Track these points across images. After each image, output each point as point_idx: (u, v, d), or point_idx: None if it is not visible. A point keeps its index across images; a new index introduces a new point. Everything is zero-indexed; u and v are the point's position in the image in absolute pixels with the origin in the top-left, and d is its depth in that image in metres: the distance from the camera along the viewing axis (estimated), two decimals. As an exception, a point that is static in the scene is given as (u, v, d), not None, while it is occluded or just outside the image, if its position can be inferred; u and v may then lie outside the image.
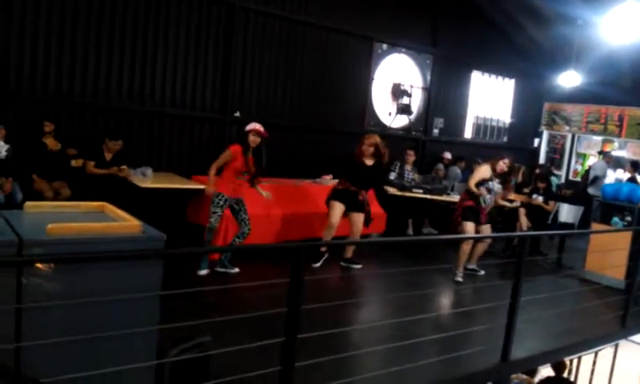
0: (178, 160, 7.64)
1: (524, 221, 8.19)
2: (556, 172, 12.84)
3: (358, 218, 6.59)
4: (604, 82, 11.29)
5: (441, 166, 10.16)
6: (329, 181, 8.05)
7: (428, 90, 10.67)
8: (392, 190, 8.34)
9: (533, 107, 13.11)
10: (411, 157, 9.25)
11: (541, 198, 8.45)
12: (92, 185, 6.24)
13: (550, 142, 13.60)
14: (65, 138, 6.53)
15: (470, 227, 6.70)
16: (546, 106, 13.37)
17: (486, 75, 11.97)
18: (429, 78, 10.64)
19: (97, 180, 6.31)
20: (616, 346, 7.47)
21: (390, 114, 10.11)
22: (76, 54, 6.63)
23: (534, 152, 13.44)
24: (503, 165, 6.74)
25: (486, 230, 6.90)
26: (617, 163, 12.11)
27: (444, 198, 8.86)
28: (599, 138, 12.77)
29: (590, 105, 12.56)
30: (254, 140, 5.72)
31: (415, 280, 6.25)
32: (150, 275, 2.87)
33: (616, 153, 12.38)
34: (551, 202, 8.62)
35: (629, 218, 7.34)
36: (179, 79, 7.50)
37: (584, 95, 12.15)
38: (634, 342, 7.45)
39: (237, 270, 5.96)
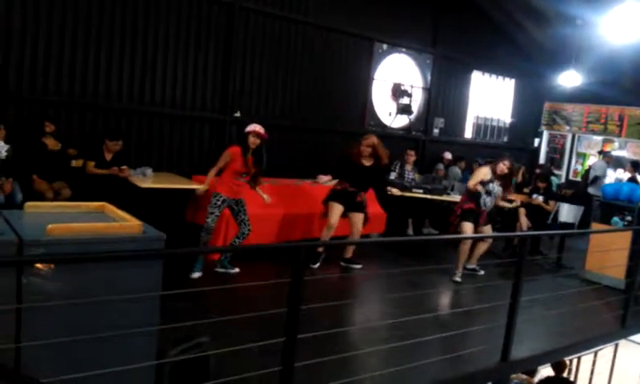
0: (178, 160, 7.64)
1: (524, 221, 8.19)
2: (556, 172, 12.83)
3: (358, 218, 6.59)
4: (604, 82, 11.28)
5: (441, 166, 10.16)
6: (325, 181, 8.04)
7: (428, 90, 10.68)
8: (394, 191, 8.35)
9: (533, 107, 13.10)
10: (411, 157, 9.25)
11: (541, 198, 8.45)
12: (92, 185, 6.24)
13: (550, 141, 13.60)
14: (65, 139, 6.53)
15: (468, 228, 6.70)
16: (547, 105, 13.36)
17: (487, 75, 11.97)
18: (429, 77, 10.64)
19: (97, 180, 6.32)
20: (616, 346, 7.48)
21: (390, 114, 10.11)
22: (76, 54, 6.63)
23: (534, 152, 13.44)
24: (503, 166, 6.72)
25: (487, 231, 6.90)
26: (617, 163, 12.10)
27: (444, 198, 8.86)
28: (599, 138, 12.77)
29: (590, 105, 12.55)
30: (253, 141, 5.72)
31: (415, 280, 6.26)
32: (150, 275, 2.87)
33: (616, 153, 12.38)
34: (551, 202, 8.62)
35: (629, 218, 7.34)
36: (179, 79, 7.50)
37: (584, 95, 12.15)
38: (633, 341, 7.45)
39: (237, 270, 5.95)
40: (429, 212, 9.31)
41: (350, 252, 6.83)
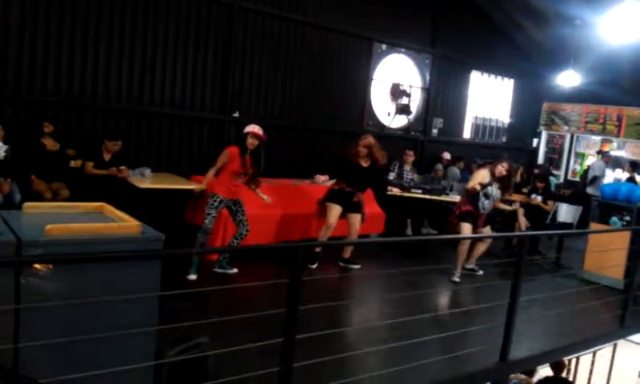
0: (177, 160, 7.64)
1: (523, 221, 8.19)
2: (555, 172, 12.85)
3: (355, 218, 6.60)
4: (603, 82, 11.29)
5: (440, 167, 10.16)
6: (323, 181, 8.04)
7: (427, 90, 10.68)
8: (395, 190, 8.35)
9: (532, 107, 13.11)
10: (410, 157, 9.26)
11: (539, 198, 8.45)
12: (91, 185, 6.24)
13: (548, 141, 13.61)
14: (63, 139, 6.53)
15: (467, 228, 6.70)
16: (545, 105, 13.37)
17: (485, 75, 11.98)
18: (428, 78, 10.64)
19: (96, 180, 6.31)
20: (614, 346, 7.48)
21: (389, 114, 10.11)
22: (75, 54, 6.63)
23: (532, 152, 13.45)
24: (502, 169, 6.73)
25: (486, 232, 6.90)
26: (615, 163, 12.11)
27: (443, 198, 8.87)
28: (598, 138, 12.78)
29: (588, 105, 12.56)
30: (251, 142, 5.71)
31: (414, 280, 6.26)
32: (149, 275, 2.87)
33: (615, 153, 12.39)
34: (550, 202, 8.62)
35: (627, 218, 7.34)
36: (178, 79, 7.50)
37: (583, 95, 12.17)
38: (632, 341, 7.46)
39: (235, 270, 5.95)
40: (427, 212, 9.31)
41: (348, 252, 6.83)
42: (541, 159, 13.38)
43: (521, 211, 8.27)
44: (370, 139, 6.58)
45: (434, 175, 9.76)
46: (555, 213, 9.17)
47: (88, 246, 2.78)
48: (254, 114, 8.09)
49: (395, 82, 10.06)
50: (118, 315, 2.73)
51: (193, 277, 5.65)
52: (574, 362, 7.28)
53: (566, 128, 13.14)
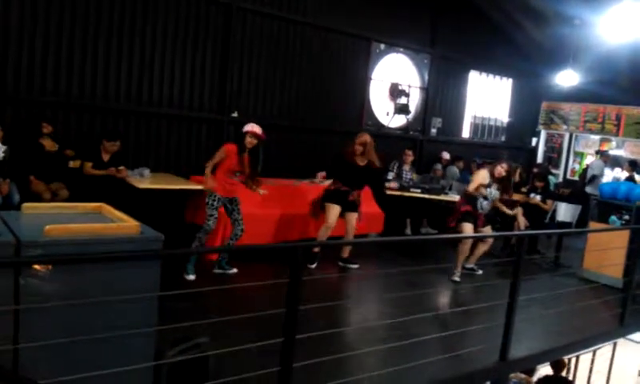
0: (176, 160, 7.64)
1: (522, 220, 8.19)
2: (554, 171, 12.85)
3: (352, 217, 6.60)
4: (602, 81, 11.30)
5: (439, 166, 10.16)
6: (321, 179, 8.04)
7: (426, 90, 10.68)
8: (392, 185, 8.34)
9: (530, 106, 13.12)
10: (409, 157, 9.25)
11: (538, 197, 8.46)
12: (90, 186, 6.24)
13: (547, 141, 13.62)
14: (62, 139, 6.52)
15: (468, 228, 6.71)
16: (544, 105, 13.38)
17: (484, 75, 11.98)
18: (426, 77, 10.65)
19: (94, 181, 6.30)
20: (614, 345, 7.48)
21: (387, 114, 10.12)
22: (74, 55, 6.63)
23: (531, 151, 13.46)
24: (501, 169, 6.73)
25: (487, 232, 6.90)
26: (614, 162, 12.13)
27: (442, 197, 8.87)
28: (597, 137, 12.79)
29: (587, 104, 12.57)
30: (250, 141, 5.69)
31: (413, 280, 6.25)
32: (148, 276, 2.87)
33: (614, 152, 12.41)
34: (549, 201, 8.63)
35: (626, 217, 7.34)
36: (177, 80, 7.49)
37: (582, 94, 12.17)
38: (632, 340, 7.46)
39: (235, 270, 5.94)
40: (427, 212, 9.31)
41: (346, 252, 6.83)
42: (540, 158, 13.39)
43: (520, 211, 8.27)
44: (365, 137, 6.57)
45: (433, 175, 9.76)
46: (554, 212, 9.16)
47: (87, 246, 2.77)
48: (252, 113, 8.08)
49: (394, 81, 10.06)
50: (118, 316, 2.73)
51: (192, 277, 5.64)
52: (573, 360, 7.29)
53: (564, 127, 13.14)
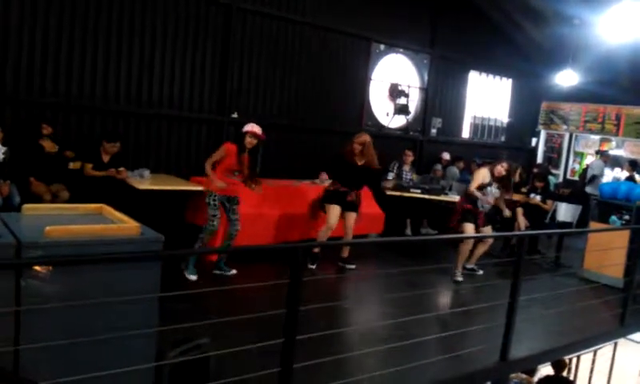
0: (176, 161, 7.64)
1: (522, 220, 8.19)
2: (554, 171, 12.85)
3: (351, 216, 6.60)
4: (601, 81, 11.30)
5: (439, 166, 10.16)
6: (324, 179, 8.04)
7: (425, 90, 10.68)
8: (388, 184, 8.33)
9: (530, 106, 13.12)
10: (409, 157, 9.25)
11: (539, 197, 8.45)
12: (90, 187, 6.24)
13: (547, 141, 13.62)
14: (62, 141, 6.52)
15: (469, 228, 6.71)
16: (544, 105, 13.38)
17: (484, 75, 11.98)
18: (426, 78, 10.65)
19: (95, 182, 6.30)
20: (615, 345, 7.48)
21: (387, 114, 10.12)
22: (73, 55, 6.63)
23: (531, 151, 13.46)
24: (501, 169, 6.75)
25: (487, 232, 6.91)
26: (614, 162, 12.13)
27: (442, 198, 8.86)
28: (597, 137, 12.79)
29: (587, 104, 12.57)
30: (250, 141, 5.69)
31: (414, 280, 6.25)
32: (149, 277, 2.87)
33: (613, 152, 12.41)
34: (549, 201, 8.62)
35: (627, 217, 7.34)
36: (177, 80, 7.49)
37: (581, 94, 12.17)
38: (632, 340, 7.46)
39: (234, 271, 5.92)
40: (427, 212, 9.31)
41: (345, 252, 6.83)
42: (540, 158, 13.39)
43: (520, 211, 8.28)
44: (365, 137, 6.57)
45: (433, 175, 9.76)
46: (554, 212, 9.17)
47: (88, 247, 2.77)
48: (252, 113, 8.08)
49: (394, 82, 10.06)
50: (119, 317, 2.72)
51: (193, 277, 5.64)
52: (574, 360, 7.28)
53: (564, 127, 13.14)
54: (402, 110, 10.05)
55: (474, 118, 12.02)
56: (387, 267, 6.92)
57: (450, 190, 9.64)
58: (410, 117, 10.43)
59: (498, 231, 7.74)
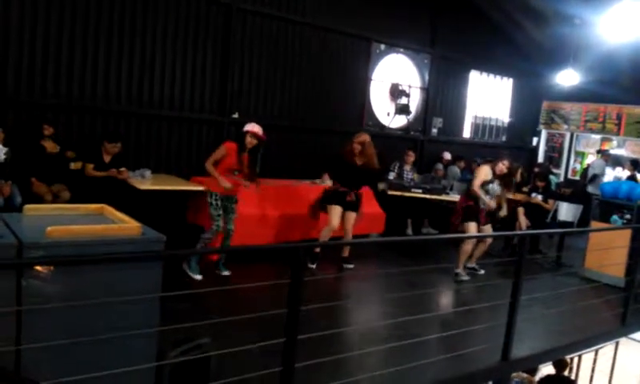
0: (177, 162, 7.64)
1: (523, 220, 8.19)
2: (555, 171, 12.85)
3: (351, 216, 6.60)
4: (602, 81, 11.29)
5: (440, 166, 10.16)
6: (327, 180, 8.03)
7: (426, 90, 10.68)
8: (381, 186, 8.34)
9: (531, 106, 13.12)
10: (411, 157, 9.25)
11: (540, 197, 8.45)
12: (91, 187, 6.24)
13: (548, 140, 13.61)
14: (64, 141, 6.53)
15: (472, 227, 6.71)
16: (545, 104, 13.37)
17: (485, 75, 11.98)
18: (427, 77, 10.64)
19: (96, 182, 6.31)
20: (616, 344, 7.48)
21: (388, 114, 10.12)
22: (74, 57, 6.63)
23: (532, 151, 13.45)
24: (502, 166, 6.76)
25: (487, 230, 6.91)
26: (615, 161, 12.12)
27: (443, 197, 8.86)
28: (598, 137, 12.78)
29: (588, 103, 12.57)
30: (250, 141, 5.69)
31: (415, 280, 6.25)
32: (150, 277, 2.87)
33: (614, 151, 12.39)
34: (550, 201, 8.62)
35: (628, 216, 7.33)
36: (177, 81, 7.50)
37: (582, 94, 12.17)
38: (634, 339, 7.45)
39: (228, 272, 5.90)
40: (428, 212, 9.31)
41: (346, 251, 6.83)
42: (541, 158, 13.38)
43: (521, 210, 8.27)
44: (364, 137, 6.56)
45: (435, 175, 9.76)
46: (556, 211, 9.17)
47: (89, 247, 2.77)
48: (252, 114, 8.08)
49: (394, 82, 10.06)
50: (120, 317, 2.73)
51: (198, 277, 5.65)
52: (576, 360, 7.28)
53: (565, 127, 13.14)
54: (402, 109, 10.05)
55: (475, 117, 12.02)
56: (388, 267, 6.92)
57: (451, 189, 9.63)
58: (411, 117, 10.43)
59: (497, 230, 7.74)
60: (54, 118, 6.47)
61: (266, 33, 8.27)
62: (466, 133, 11.86)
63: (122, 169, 6.51)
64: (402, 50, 10.19)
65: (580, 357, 7.22)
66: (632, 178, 10.18)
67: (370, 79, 9.76)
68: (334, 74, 9.19)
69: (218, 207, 5.68)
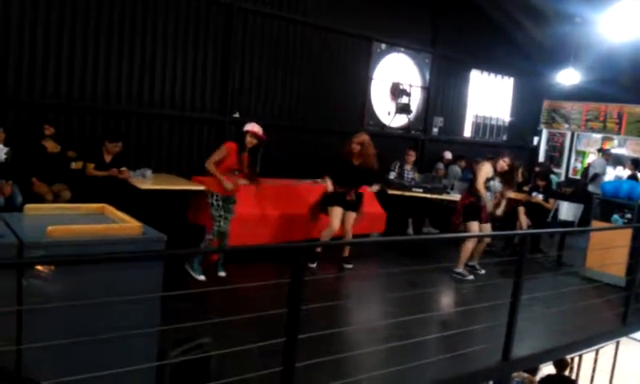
0: (178, 161, 7.64)
1: (524, 219, 8.19)
2: (555, 170, 12.85)
3: (351, 216, 6.61)
4: (603, 80, 11.28)
5: (441, 165, 10.16)
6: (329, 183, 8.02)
7: (427, 89, 10.68)
8: (374, 188, 8.33)
9: (532, 105, 13.11)
10: (412, 157, 9.24)
11: (541, 196, 8.45)
12: (92, 187, 6.24)
13: (549, 140, 13.61)
14: (64, 141, 6.53)
15: (474, 226, 6.71)
16: (546, 104, 13.37)
17: (485, 74, 11.97)
18: (428, 77, 10.64)
19: (97, 182, 6.31)
20: (617, 344, 7.48)
21: (389, 114, 10.11)
22: (75, 57, 6.63)
23: (533, 150, 13.44)
24: (503, 163, 6.77)
25: (487, 228, 6.91)
26: (616, 161, 12.11)
27: (444, 197, 8.86)
28: (599, 136, 12.78)
29: (589, 102, 12.56)
30: (250, 141, 5.69)
31: (415, 279, 6.25)
32: (151, 276, 2.88)
33: (615, 150, 12.38)
34: (551, 200, 8.62)
35: (629, 216, 7.33)
36: (178, 80, 7.50)
37: (583, 93, 12.16)
38: (635, 339, 7.45)
39: (223, 274, 5.89)
40: (429, 211, 9.31)
41: (346, 251, 6.83)
42: (541, 157, 13.37)
43: (522, 210, 8.27)
44: (364, 136, 6.57)
45: (435, 174, 9.76)
46: (556, 211, 9.16)
47: (89, 247, 2.78)
48: (253, 113, 8.08)
49: (395, 81, 10.06)
50: (120, 316, 2.73)
51: (201, 277, 5.65)
52: (576, 359, 7.27)
53: (566, 126, 13.13)
54: (403, 109, 10.04)
55: (476, 116, 12.01)
56: (389, 266, 6.92)
57: (452, 189, 9.63)
58: (412, 116, 10.42)
59: (496, 229, 7.74)
60: (54, 118, 6.47)
61: (266, 32, 8.27)
62: (467, 132, 11.85)
63: (123, 168, 6.51)
64: (402, 49, 10.18)
65: (581, 356, 7.22)
66: (633, 177, 10.17)
67: (371, 78, 9.76)
68: (335, 74, 9.19)
69: (219, 208, 5.68)
